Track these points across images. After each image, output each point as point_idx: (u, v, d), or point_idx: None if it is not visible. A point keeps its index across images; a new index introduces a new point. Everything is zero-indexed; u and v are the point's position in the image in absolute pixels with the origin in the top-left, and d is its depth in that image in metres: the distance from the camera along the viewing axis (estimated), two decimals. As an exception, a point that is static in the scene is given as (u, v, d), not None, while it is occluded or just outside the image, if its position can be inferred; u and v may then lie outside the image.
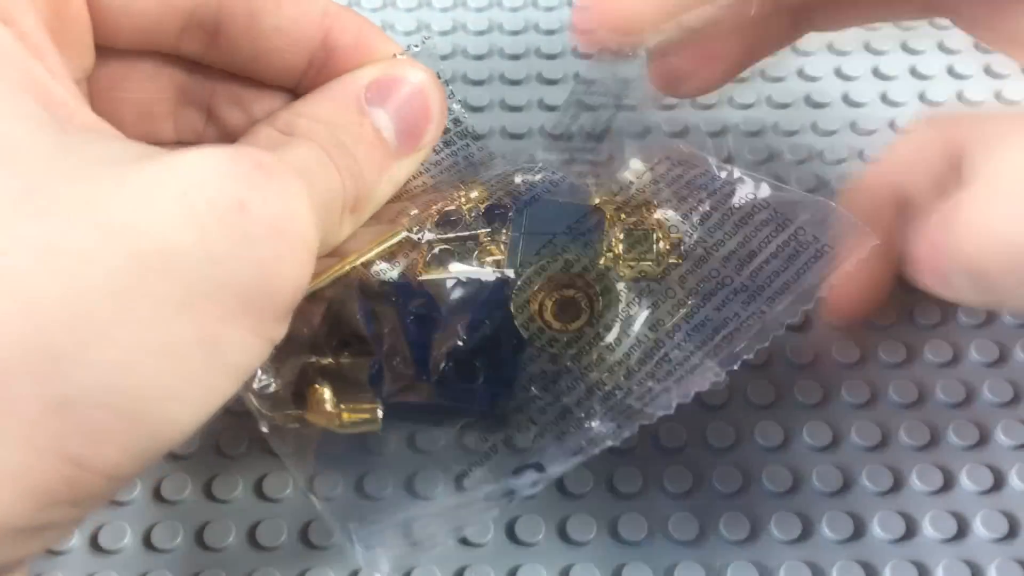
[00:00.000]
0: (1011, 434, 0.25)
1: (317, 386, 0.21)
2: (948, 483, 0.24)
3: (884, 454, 0.25)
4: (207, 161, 0.16)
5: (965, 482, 0.24)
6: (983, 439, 0.25)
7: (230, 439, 0.25)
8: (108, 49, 0.21)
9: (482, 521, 0.23)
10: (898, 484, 0.24)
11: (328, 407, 0.21)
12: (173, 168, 0.16)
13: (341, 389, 0.21)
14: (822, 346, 0.27)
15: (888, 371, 0.26)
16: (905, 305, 0.28)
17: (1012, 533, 0.24)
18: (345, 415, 0.21)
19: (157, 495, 0.24)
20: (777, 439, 0.25)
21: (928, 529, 0.24)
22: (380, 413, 0.21)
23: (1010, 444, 0.25)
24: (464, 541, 0.23)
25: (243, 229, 0.16)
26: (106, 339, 0.15)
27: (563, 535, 0.24)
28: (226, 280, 0.16)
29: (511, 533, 0.24)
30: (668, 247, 0.21)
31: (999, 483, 0.24)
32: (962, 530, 0.24)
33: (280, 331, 0.18)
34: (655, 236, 0.21)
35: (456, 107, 0.24)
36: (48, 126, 0.16)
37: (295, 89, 0.22)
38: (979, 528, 0.24)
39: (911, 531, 0.24)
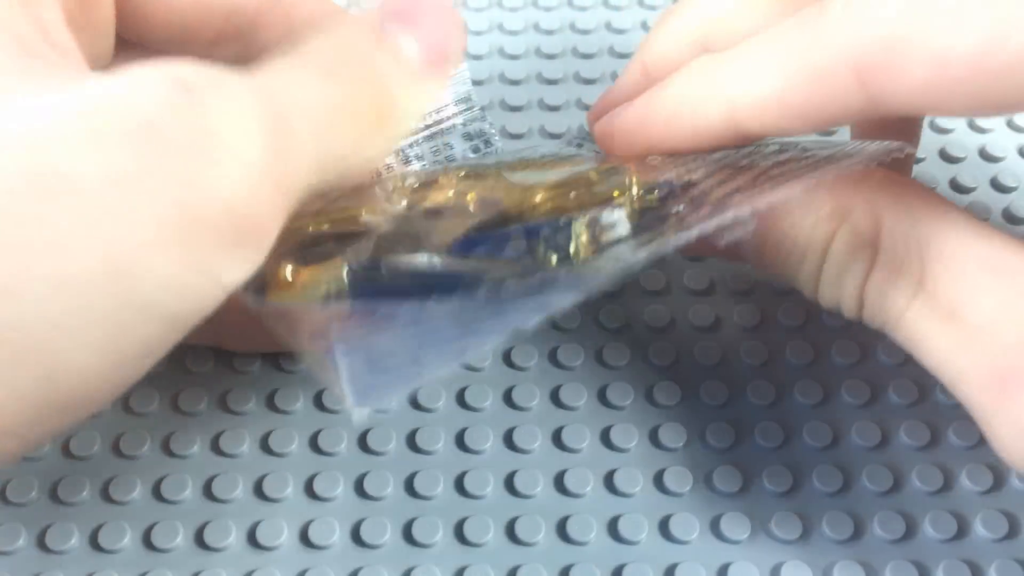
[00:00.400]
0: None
1: (281, 264, 0.19)
2: (948, 483, 0.24)
3: (884, 454, 0.25)
4: (122, 79, 0.15)
5: (965, 482, 0.24)
6: (983, 439, 0.25)
7: (230, 439, 0.25)
8: (135, 45, 0.20)
9: (487, 348, 0.23)
10: (898, 484, 0.24)
11: (286, 275, 0.19)
12: (87, 86, 0.15)
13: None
14: (822, 346, 0.27)
15: (888, 371, 0.26)
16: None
17: (1012, 533, 0.24)
18: (305, 274, 0.19)
19: (157, 494, 0.24)
20: (777, 439, 0.25)
21: (928, 529, 0.24)
22: (345, 266, 0.19)
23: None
24: (464, 540, 0.23)
25: (149, 149, 0.14)
26: None
27: (563, 535, 0.24)
28: (134, 203, 0.14)
29: (511, 533, 0.24)
30: (638, 188, 0.20)
31: (999, 483, 0.24)
32: (962, 530, 0.24)
33: (229, 268, 0.16)
34: (628, 172, 0.20)
35: (490, 129, 0.24)
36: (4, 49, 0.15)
37: None
38: (979, 528, 0.24)
39: (911, 531, 0.24)
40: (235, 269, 0.16)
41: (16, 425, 0.15)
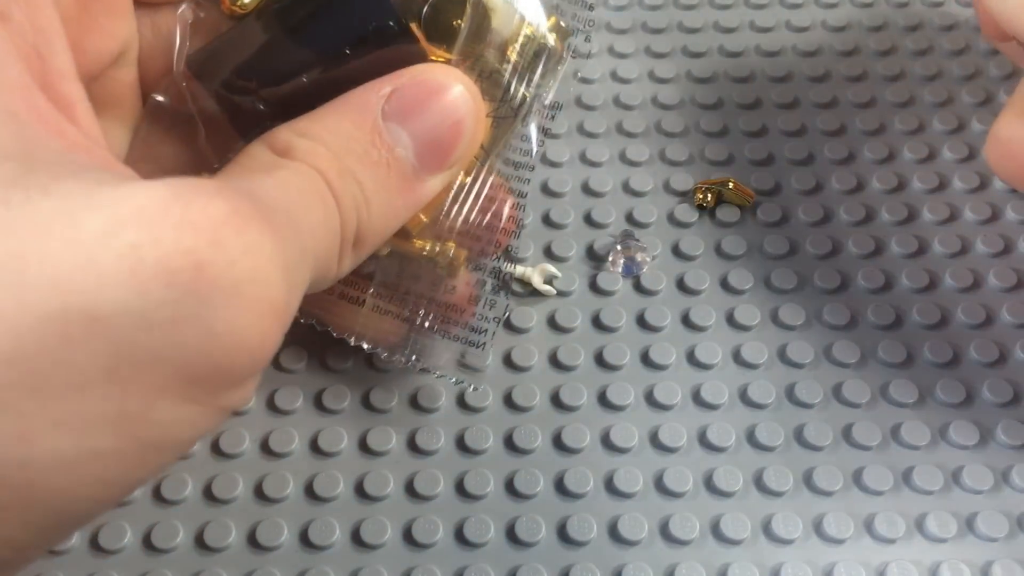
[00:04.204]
0: (1011, 434, 0.25)
1: None
2: (948, 481, 0.24)
3: (885, 453, 0.25)
4: (170, 206, 0.14)
5: (965, 481, 0.24)
6: (983, 439, 0.25)
7: (230, 439, 0.25)
8: None
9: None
10: (899, 483, 0.24)
11: None
12: (129, 212, 0.14)
13: None
14: (821, 345, 0.27)
15: (889, 371, 0.26)
16: (905, 303, 0.28)
17: (1012, 533, 0.24)
18: None
19: (157, 495, 0.24)
20: (777, 438, 0.25)
21: (928, 529, 0.24)
22: None
23: (1010, 444, 0.25)
24: (464, 540, 0.23)
25: (196, 294, 0.14)
26: (7, 409, 0.13)
27: (563, 535, 0.24)
28: (164, 350, 0.14)
29: (511, 533, 0.24)
30: None
31: (999, 483, 0.24)
32: (962, 530, 0.24)
33: (240, 399, 0.16)
34: None
35: None
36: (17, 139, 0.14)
37: None
38: (979, 528, 0.24)
39: (912, 530, 0.24)
40: (242, 401, 0.16)
41: (26, 546, 0.15)
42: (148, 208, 0.14)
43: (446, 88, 0.19)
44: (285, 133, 0.18)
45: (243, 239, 0.14)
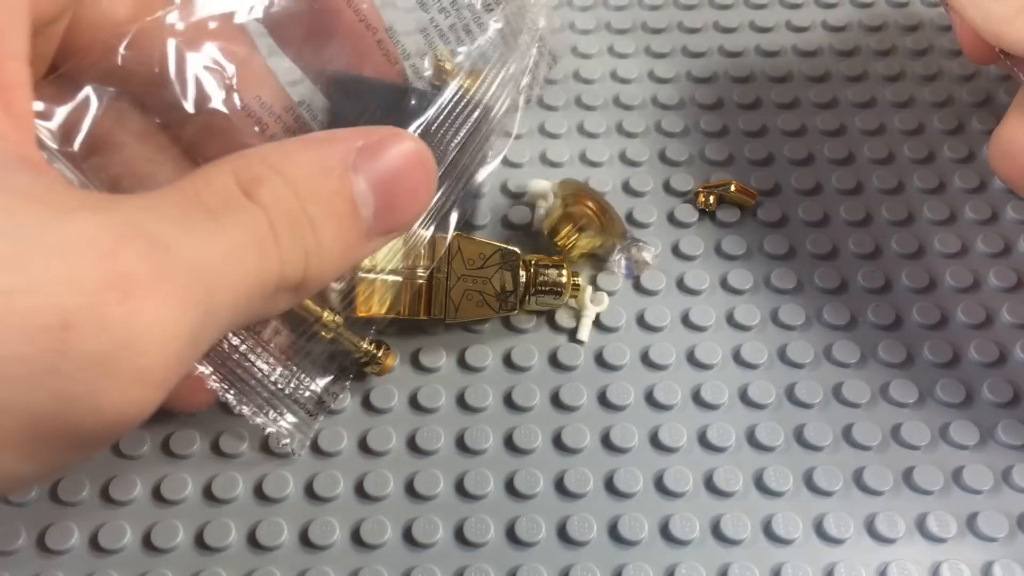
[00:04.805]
0: (1011, 434, 0.25)
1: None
2: (948, 481, 0.24)
3: (885, 453, 0.25)
4: (57, 257, 0.13)
5: (965, 481, 0.24)
6: (983, 439, 0.25)
7: (230, 439, 0.25)
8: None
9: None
10: (899, 483, 0.24)
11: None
12: (12, 253, 0.13)
13: None
14: (822, 344, 0.27)
15: (889, 372, 0.26)
16: (905, 303, 0.28)
17: (1012, 533, 0.24)
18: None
19: (157, 495, 0.24)
20: (777, 438, 0.25)
21: (928, 529, 0.24)
22: None
23: (1010, 444, 0.25)
24: (464, 540, 0.23)
25: (56, 356, 0.13)
26: None
27: (563, 535, 0.24)
28: (13, 405, 0.13)
29: (511, 533, 0.24)
30: None
31: (999, 483, 0.24)
32: (962, 530, 0.24)
33: (91, 454, 0.15)
34: None
35: None
36: None
37: None
38: (979, 528, 0.24)
39: (912, 530, 0.24)
40: (92, 455, 0.16)
41: None
42: (35, 252, 0.13)
43: (420, 159, 0.19)
44: (256, 163, 0.18)
45: (126, 306, 0.14)
